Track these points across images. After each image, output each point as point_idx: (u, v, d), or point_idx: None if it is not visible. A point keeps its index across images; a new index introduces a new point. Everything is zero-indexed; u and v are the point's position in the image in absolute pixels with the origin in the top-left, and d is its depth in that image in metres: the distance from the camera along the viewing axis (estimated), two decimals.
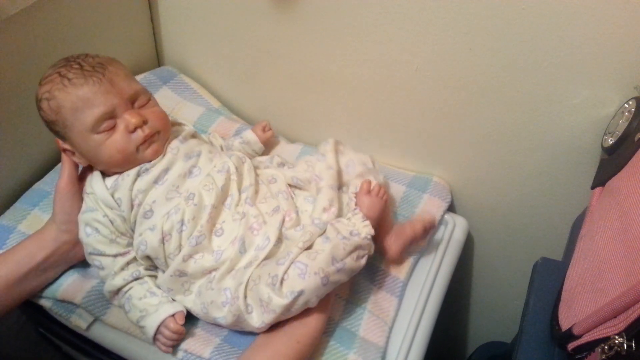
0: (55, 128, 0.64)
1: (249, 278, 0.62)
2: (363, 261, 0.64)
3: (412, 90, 0.79)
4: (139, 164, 0.66)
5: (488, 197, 0.87)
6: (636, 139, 0.60)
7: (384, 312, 0.71)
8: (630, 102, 0.64)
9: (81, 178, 0.69)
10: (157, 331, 0.64)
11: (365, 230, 0.65)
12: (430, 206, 0.83)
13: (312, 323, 0.62)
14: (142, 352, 0.67)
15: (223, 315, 0.62)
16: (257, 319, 0.61)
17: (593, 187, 0.65)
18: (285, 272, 0.59)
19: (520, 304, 0.65)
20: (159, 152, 0.67)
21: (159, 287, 0.66)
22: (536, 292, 0.64)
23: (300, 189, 0.74)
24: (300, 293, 0.58)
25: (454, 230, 0.84)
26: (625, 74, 0.64)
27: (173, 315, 0.64)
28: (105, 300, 0.68)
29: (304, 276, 0.58)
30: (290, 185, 0.74)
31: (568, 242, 0.71)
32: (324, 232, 0.64)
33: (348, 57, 0.80)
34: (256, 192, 0.70)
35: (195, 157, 0.69)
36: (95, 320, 0.68)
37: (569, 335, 0.53)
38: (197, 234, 0.64)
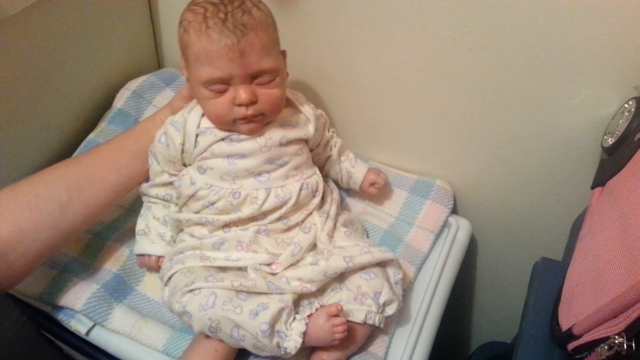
0: (181, 53, 0.66)
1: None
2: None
3: (412, 90, 0.79)
4: (232, 131, 0.66)
5: (488, 197, 0.87)
6: (636, 139, 0.60)
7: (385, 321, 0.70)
8: (630, 102, 0.64)
9: None
10: (142, 254, 0.72)
11: (291, 345, 0.60)
12: (432, 212, 0.82)
13: None
14: (144, 356, 0.67)
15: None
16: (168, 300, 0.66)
17: (593, 187, 0.65)
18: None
19: (520, 304, 0.65)
20: (254, 132, 0.66)
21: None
22: (536, 292, 0.64)
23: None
24: (185, 313, 0.61)
25: (457, 233, 0.83)
26: (625, 74, 0.64)
27: (160, 257, 0.71)
28: (107, 305, 0.68)
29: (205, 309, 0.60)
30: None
31: (568, 242, 0.71)
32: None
33: (348, 57, 0.80)
34: (287, 230, 0.69)
35: (277, 166, 0.68)
36: (96, 324, 0.68)
37: (569, 335, 0.53)
38: (211, 219, 0.67)
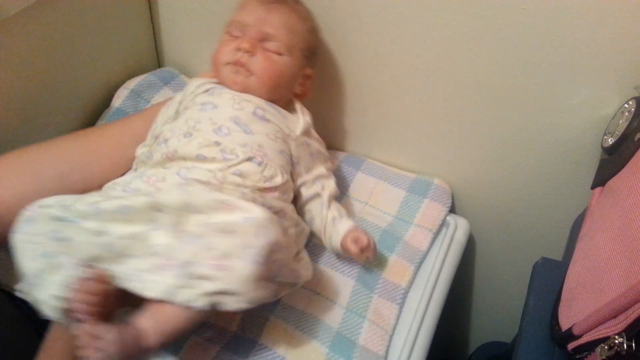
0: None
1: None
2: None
3: (412, 90, 0.79)
4: (220, 81, 0.70)
5: (488, 197, 0.87)
6: (636, 139, 0.60)
7: (385, 320, 0.70)
8: (630, 102, 0.64)
9: None
10: None
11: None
12: (430, 211, 0.82)
13: None
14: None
15: None
16: None
17: (593, 187, 0.65)
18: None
19: (520, 304, 0.65)
20: (235, 85, 0.68)
21: None
22: (536, 292, 0.64)
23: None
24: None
25: (455, 232, 0.83)
26: (625, 74, 0.64)
27: None
28: None
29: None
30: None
31: (568, 242, 0.71)
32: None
33: (348, 57, 0.80)
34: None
35: (240, 129, 0.64)
36: None
37: (569, 335, 0.53)
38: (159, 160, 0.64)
